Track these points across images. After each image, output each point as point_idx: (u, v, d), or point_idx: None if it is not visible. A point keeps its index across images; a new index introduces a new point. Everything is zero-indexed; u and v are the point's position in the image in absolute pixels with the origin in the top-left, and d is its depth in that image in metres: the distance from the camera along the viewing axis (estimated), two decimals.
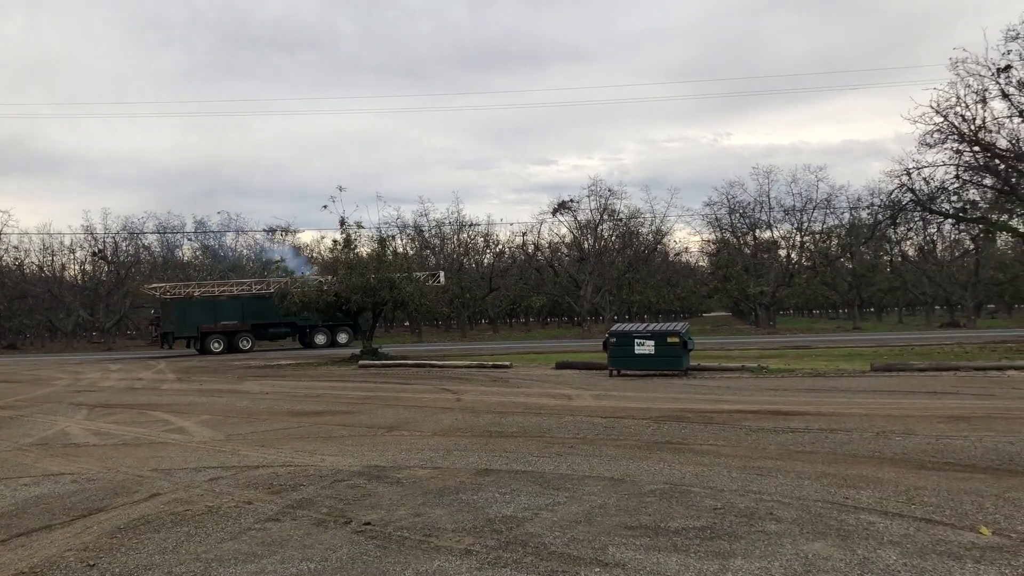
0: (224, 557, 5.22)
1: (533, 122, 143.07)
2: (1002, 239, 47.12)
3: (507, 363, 22.86)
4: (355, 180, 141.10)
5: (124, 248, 61.97)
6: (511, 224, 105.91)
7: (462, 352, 32.68)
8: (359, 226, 28.30)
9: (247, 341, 41.39)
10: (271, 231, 62.23)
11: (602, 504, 6.39)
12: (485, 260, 60.84)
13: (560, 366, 21.73)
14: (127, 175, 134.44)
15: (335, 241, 29.29)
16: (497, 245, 59.84)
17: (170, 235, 64.34)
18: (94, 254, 60.21)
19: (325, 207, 28.18)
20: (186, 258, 66.52)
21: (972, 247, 47.29)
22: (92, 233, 59.92)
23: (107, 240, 60.40)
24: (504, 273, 58.01)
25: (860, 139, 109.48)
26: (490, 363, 23.04)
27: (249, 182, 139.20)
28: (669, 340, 18.26)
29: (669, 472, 7.59)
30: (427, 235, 57.23)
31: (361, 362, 25.92)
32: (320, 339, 42.56)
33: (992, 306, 66.60)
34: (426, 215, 57.34)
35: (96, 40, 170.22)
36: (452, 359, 26.48)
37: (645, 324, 19.69)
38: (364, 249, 29.40)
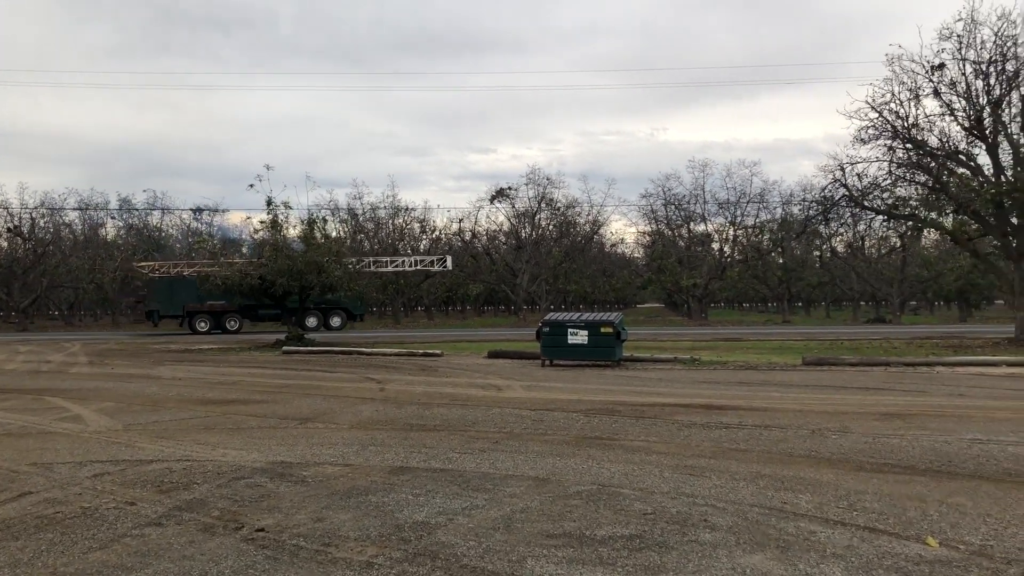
0: (87, 571, 4.54)
1: (472, 110, 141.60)
2: (928, 237, 48.23)
3: (438, 351, 22.23)
4: (292, 164, 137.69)
5: (43, 225, 59.26)
6: (448, 210, 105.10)
7: (394, 339, 31.93)
8: (286, 206, 27.26)
9: (234, 321, 40.92)
10: (198, 211, 60.23)
11: (524, 508, 5.86)
12: (421, 246, 59.95)
13: (492, 355, 21.20)
14: (52, 152, 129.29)
15: (261, 222, 28.20)
16: (434, 231, 59.02)
17: (92, 212, 61.81)
18: (9, 230, 57.38)
19: (251, 186, 26.99)
20: (109, 236, 64.01)
21: (899, 244, 48.28)
22: (7, 208, 57.11)
23: (23, 216, 57.63)
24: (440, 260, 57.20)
25: (791, 138, 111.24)
26: (420, 351, 22.39)
27: (181, 163, 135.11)
28: (602, 330, 17.87)
29: (598, 471, 7.11)
30: (361, 219, 56.09)
31: (285, 348, 24.99)
32: (311, 321, 41.69)
33: (914, 303, 68.33)
34: (360, 198, 56.19)
35: (19, 9, 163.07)
36: (382, 347, 25.75)
37: (579, 313, 19.29)
38: (293, 231, 28.30)
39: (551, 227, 56.41)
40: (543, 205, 53.25)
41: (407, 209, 56.63)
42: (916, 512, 5.67)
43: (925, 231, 28.44)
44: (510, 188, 52.72)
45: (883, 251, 53.06)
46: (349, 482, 6.81)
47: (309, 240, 27.31)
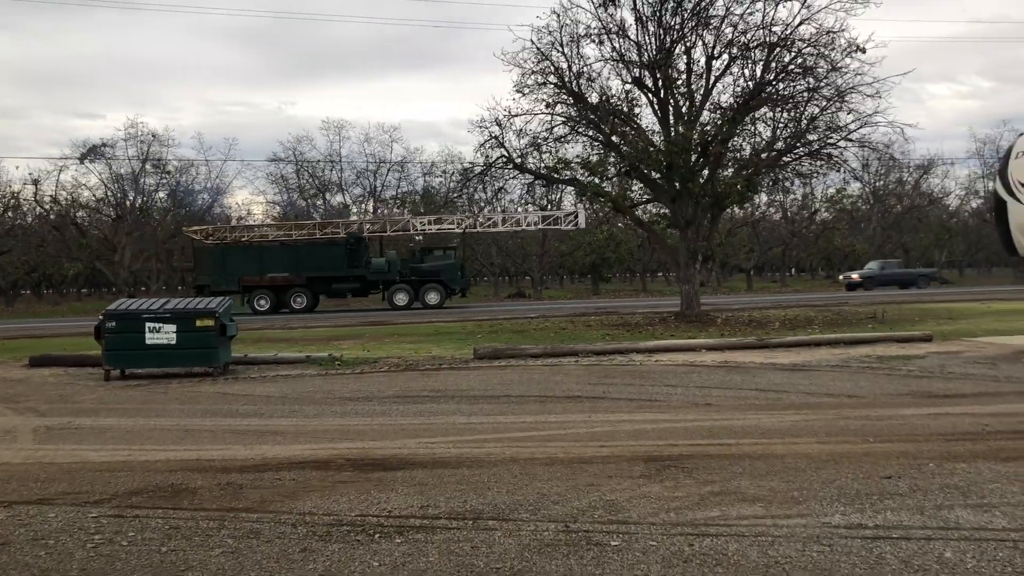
0: None
1: (75, 70, 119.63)
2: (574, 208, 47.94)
3: None
4: None
5: None
6: (30, 172, 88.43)
7: None
8: None
9: (302, 298, 33.11)
10: None
11: None
12: None
13: (35, 363, 14.38)
14: None
15: None
16: (4, 198, 46.99)
17: None
18: None
19: None
20: None
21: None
22: None
23: None
24: (11, 232, 45.59)
25: (417, 119, 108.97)
26: None
27: None
28: (199, 323, 12.26)
29: None
30: None
31: None
32: (400, 298, 33.28)
33: (546, 277, 69.80)
34: None
35: None
36: None
37: (163, 300, 13.41)
38: None
39: (161, 194, 47.77)
40: (148, 167, 44.38)
41: None
42: None
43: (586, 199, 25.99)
44: (105, 144, 42.98)
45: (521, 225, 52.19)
46: None
47: None
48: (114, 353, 12.32)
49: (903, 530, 4.48)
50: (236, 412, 9.24)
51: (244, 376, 12.47)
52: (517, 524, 4.78)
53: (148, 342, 12.21)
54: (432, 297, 33.67)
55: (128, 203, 45.76)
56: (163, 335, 12.19)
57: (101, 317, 12.50)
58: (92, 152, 42.71)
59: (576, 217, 35.03)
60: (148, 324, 12.21)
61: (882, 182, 52.58)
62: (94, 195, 45.61)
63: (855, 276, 42.48)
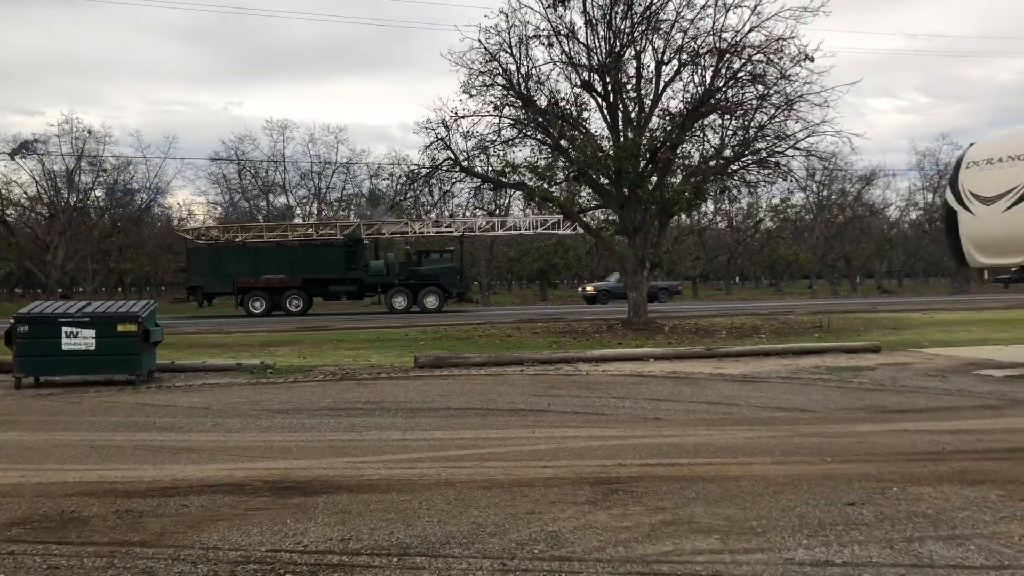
0: None
1: (13, 65, 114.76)
2: (514, 216, 47.60)
3: None
4: None
5: None
6: None
7: None
8: None
9: (298, 300, 32.63)
10: None
11: None
12: None
13: None
14: None
15: None
16: None
17: None
18: None
19: None
20: None
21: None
22: None
23: None
24: None
25: (366, 123, 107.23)
26: None
27: None
28: (120, 328, 11.48)
29: None
30: None
31: None
32: (399, 301, 33.10)
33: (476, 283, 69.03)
34: None
35: None
36: None
37: (82, 303, 12.55)
38: None
39: (97, 192, 46.10)
40: (83, 164, 42.74)
41: None
42: None
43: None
44: (37, 140, 41.27)
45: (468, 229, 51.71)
46: None
47: None
48: (26, 360, 11.47)
49: (874, 568, 4.07)
50: (152, 425, 8.54)
51: (168, 385, 11.70)
52: (447, 561, 4.27)
53: (65, 348, 11.39)
54: (431, 301, 33.37)
55: (62, 201, 44.04)
56: (81, 340, 11.38)
57: (12, 321, 11.63)
58: (23, 148, 41.02)
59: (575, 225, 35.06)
60: (64, 328, 11.39)
61: (826, 192, 53.21)
62: (26, 193, 43.86)
63: (590, 289, 41.37)
